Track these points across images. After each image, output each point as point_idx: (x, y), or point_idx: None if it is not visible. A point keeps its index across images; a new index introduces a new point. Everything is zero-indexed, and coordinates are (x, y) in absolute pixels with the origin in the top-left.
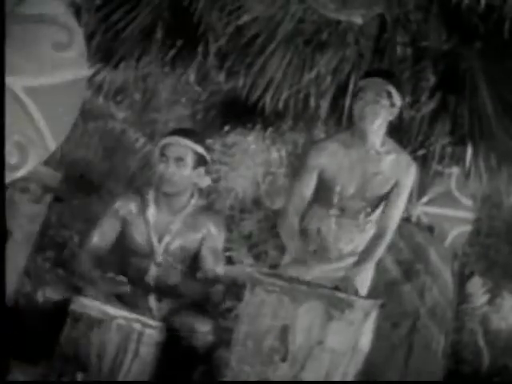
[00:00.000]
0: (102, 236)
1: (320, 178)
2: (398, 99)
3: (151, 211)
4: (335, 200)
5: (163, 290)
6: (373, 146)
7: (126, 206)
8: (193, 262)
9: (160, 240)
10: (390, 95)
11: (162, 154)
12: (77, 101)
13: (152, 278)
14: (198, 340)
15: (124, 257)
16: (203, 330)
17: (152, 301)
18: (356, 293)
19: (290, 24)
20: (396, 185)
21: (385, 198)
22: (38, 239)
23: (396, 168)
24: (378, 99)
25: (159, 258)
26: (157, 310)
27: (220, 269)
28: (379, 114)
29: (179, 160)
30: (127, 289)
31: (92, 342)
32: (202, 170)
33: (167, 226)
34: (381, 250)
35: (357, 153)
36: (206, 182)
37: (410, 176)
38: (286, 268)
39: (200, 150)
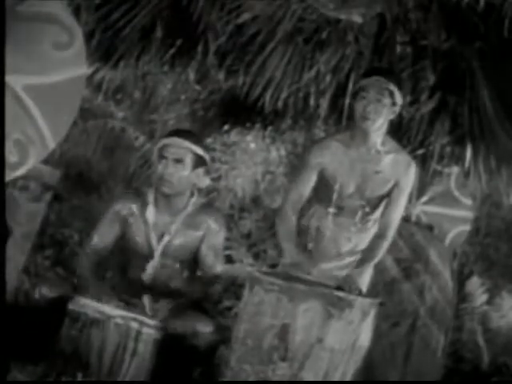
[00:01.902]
0: (101, 237)
1: (320, 176)
2: (399, 98)
3: (150, 211)
4: (334, 198)
5: (162, 290)
6: (374, 145)
7: (127, 207)
8: (192, 261)
9: (159, 240)
10: (391, 94)
11: (161, 155)
12: (76, 99)
13: (151, 277)
14: (199, 340)
15: (124, 257)
16: (205, 330)
17: (151, 300)
18: (360, 293)
19: (289, 23)
20: (396, 185)
21: (385, 198)
22: (38, 237)
23: (396, 168)
24: (380, 98)
25: (158, 259)
26: (156, 309)
27: (219, 267)
28: (381, 113)
29: (178, 161)
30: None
31: (91, 342)
32: (201, 170)
33: (166, 226)
34: (382, 250)
35: (357, 152)
36: (205, 182)
37: (409, 176)
38: (285, 268)
39: (199, 151)
